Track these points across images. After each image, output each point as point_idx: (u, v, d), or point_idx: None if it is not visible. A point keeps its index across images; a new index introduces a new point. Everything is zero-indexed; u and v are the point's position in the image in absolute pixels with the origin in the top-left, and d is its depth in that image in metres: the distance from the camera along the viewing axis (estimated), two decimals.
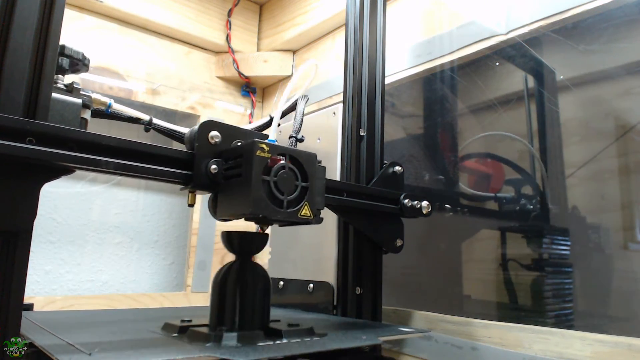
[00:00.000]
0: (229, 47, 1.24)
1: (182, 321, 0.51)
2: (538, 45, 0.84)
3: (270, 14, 1.30)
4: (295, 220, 0.49)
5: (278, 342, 0.46)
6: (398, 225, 0.69)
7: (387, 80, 0.81)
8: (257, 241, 0.54)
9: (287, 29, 1.21)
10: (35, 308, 0.71)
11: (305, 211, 0.49)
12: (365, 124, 0.71)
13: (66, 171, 0.43)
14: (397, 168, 0.71)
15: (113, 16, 1.08)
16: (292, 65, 1.24)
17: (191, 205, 0.51)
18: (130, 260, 1.13)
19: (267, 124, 0.66)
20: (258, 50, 1.30)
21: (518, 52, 0.83)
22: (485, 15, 0.80)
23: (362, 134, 0.71)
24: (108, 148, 0.43)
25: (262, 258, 0.89)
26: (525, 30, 0.74)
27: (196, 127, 0.50)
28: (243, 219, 0.50)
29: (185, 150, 0.50)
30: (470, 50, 0.81)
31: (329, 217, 0.74)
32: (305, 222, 0.50)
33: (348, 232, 0.71)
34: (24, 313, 0.59)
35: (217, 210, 0.50)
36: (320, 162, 0.53)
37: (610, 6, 0.66)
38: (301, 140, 0.56)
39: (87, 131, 0.43)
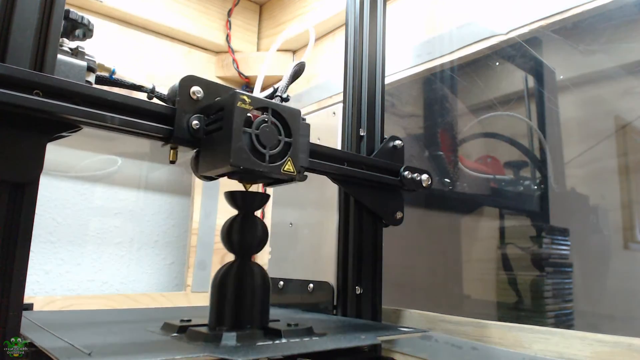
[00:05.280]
0: (229, 47, 1.24)
1: (182, 321, 0.51)
2: (538, 45, 0.84)
3: (270, 14, 1.29)
4: (278, 177, 0.48)
5: (277, 341, 0.46)
6: (398, 198, 0.70)
7: (387, 80, 0.81)
8: (257, 240, 0.54)
9: (287, 29, 1.21)
10: (35, 308, 0.71)
11: (289, 167, 0.48)
12: (365, 124, 0.71)
13: (72, 126, 0.44)
14: (398, 142, 0.71)
15: (113, 16, 1.08)
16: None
17: (173, 162, 0.50)
18: (130, 260, 1.13)
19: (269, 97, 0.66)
20: (258, 50, 1.30)
21: (518, 52, 0.83)
22: (485, 15, 0.80)
23: (362, 133, 0.71)
24: (113, 104, 0.44)
25: (262, 258, 0.89)
26: (525, 30, 0.74)
27: (177, 82, 0.49)
28: (226, 177, 0.50)
29: (167, 105, 0.49)
30: (470, 50, 0.81)
31: (329, 216, 0.74)
32: (289, 178, 0.49)
33: (349, 208, 0.71)
34: (24, 313, 0.59)
35: (198, 167, 0.50)
36: (304, 119, 0.52)
37: (610, 6, 0.66)
38: (286, 100, 0.55)
39: (94, 87, 0.44)
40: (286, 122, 0.49)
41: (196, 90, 0.49)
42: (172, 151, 0.50)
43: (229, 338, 0.44)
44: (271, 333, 0.48)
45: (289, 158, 0.48)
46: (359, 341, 0.48)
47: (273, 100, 0.52)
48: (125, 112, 0.45)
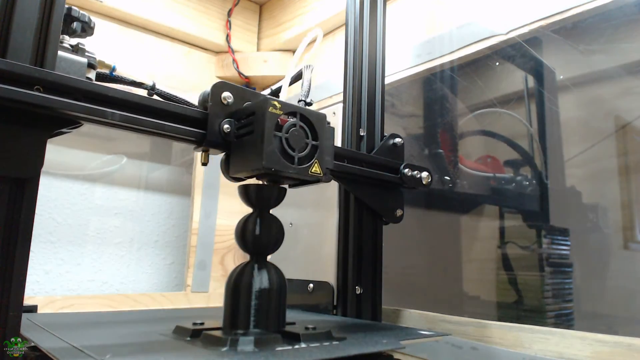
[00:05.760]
0: (229, 47, 1.24)
1: (194, 324, 0.49)
2: (538, 45, 0.84)
3: (270, 14, 1.29)
4: (306, 178, 0.50)
5: (297, 346, 0.44)
6: (398, 196, 0.70)
7: (387, 80, 0.81)
8: (274, 239, 0.52)
9: (287, 29, 1.21)
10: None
11: (316, 168, 0.50)
12: (365, 123, 0.72)
13: (72, 122, 0.44)
14: (398, 140, 0.71)
15: (113, 16, 1.08)
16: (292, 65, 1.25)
17: (204, 164, 0.52)
18: (130, 260, 1.13)
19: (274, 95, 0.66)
20: (258, 50, 1.30)
21: (518, 52, 0.83)
22: (485, 15, 0.80)
23: (362, 133, 0.71)
24: (115, 100, 0.44)
25: None
26: (525, 30, 0.74)
27: (208, 89, 0.51)
28: (255, 178, 0.51)
29: (200, 110, 0.51)
30: (470, 50, 0.81)
31: (329, 216, 0.74)
32: (316, 179, 0.50)
33: (349, 207, 0.71)
34: (28, 315, 0.59)
35: (229, 169, 0.51)
36: (329, 123, 0.54)
37: (610, 6, 0.66)
38: (310, 104, 0.57)
39: (95, 82, 0.44)
40: (313, 126, 0.50)
41: (227, 95, 0.51)
42: (203, 154, 0.52)
43: (246, 343, 0.42)
44: (289, 337, 0.47)
45: (316, 160, 0.50)
46: (382, 346, 0.46)
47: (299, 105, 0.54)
48: (157, 116, 0.46)
